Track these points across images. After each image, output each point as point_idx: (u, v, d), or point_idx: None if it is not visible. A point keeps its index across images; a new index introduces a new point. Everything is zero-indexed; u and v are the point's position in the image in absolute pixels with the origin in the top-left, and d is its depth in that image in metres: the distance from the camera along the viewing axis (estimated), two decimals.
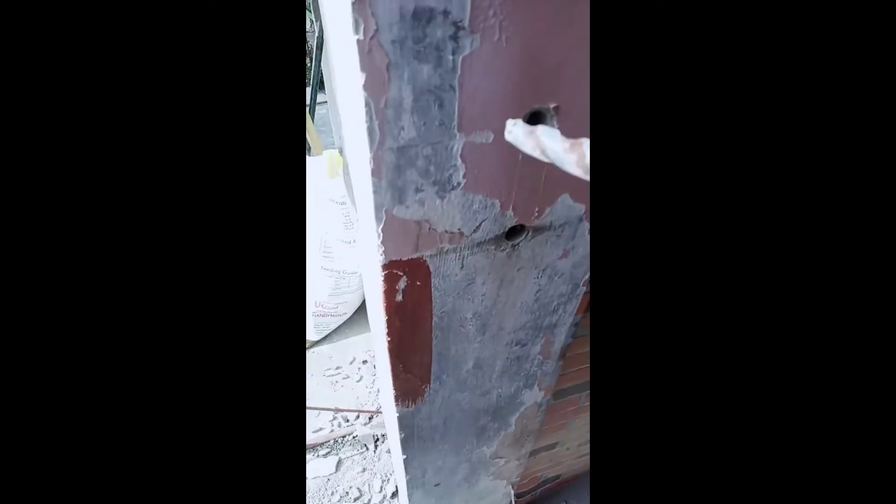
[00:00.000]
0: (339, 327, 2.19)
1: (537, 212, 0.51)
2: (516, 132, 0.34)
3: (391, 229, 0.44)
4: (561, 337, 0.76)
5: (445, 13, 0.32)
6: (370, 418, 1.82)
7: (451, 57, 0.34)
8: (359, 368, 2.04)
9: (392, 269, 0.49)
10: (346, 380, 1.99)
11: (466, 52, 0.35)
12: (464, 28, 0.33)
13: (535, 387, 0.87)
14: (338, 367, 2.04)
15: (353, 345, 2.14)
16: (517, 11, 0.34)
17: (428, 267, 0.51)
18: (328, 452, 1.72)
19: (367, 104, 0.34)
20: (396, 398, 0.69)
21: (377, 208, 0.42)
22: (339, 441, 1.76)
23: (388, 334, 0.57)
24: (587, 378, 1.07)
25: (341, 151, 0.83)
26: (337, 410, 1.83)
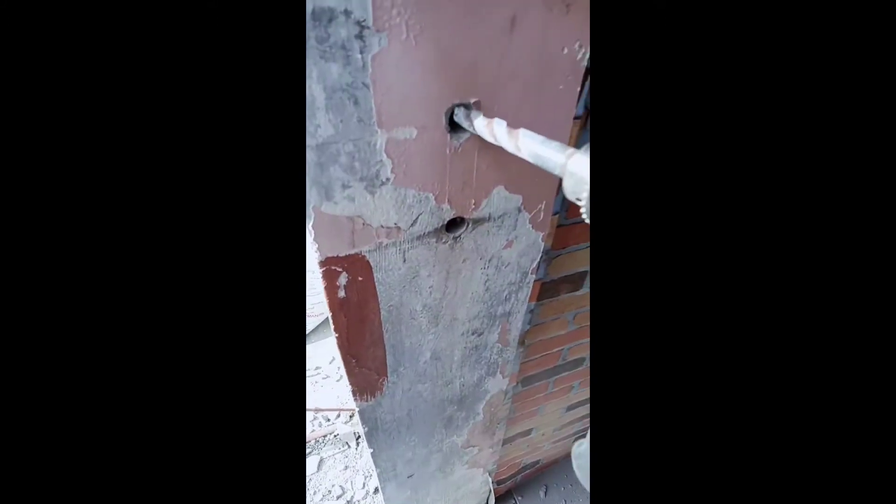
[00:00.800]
0: (317, 327, 2.18)
1: (474, 204, 0.53)
2: (477, 123, 0.40)
3: (322, 226, 0.45)
4: (517, 324, 0.78)
5: (347, 13, 0.33)
6: (350, 416, 1.83)
7: (359, 55, 0.35)
8: (338, 368, 2.04)
9: (329, 266, 0.49)
10: (326, 379, 1.99)
11: (375, 50, 0.36)
12: (368, 27, 0.34)
13: (498, 374, 0.89)
14: (317, 367, 2.04)
15: (332, 344, 2.14)
16: (423, 12, 0.35)
17: (368, 262, 0.52)
18: (309, 452, 1.73)
19: None
20: (354, 393, 0.70)
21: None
22: (321, 440, 1.77)
23: (336, 330, 0.58)
24: (553, 364, 1.09)
25: None
26: (317, 410, 1.83)
